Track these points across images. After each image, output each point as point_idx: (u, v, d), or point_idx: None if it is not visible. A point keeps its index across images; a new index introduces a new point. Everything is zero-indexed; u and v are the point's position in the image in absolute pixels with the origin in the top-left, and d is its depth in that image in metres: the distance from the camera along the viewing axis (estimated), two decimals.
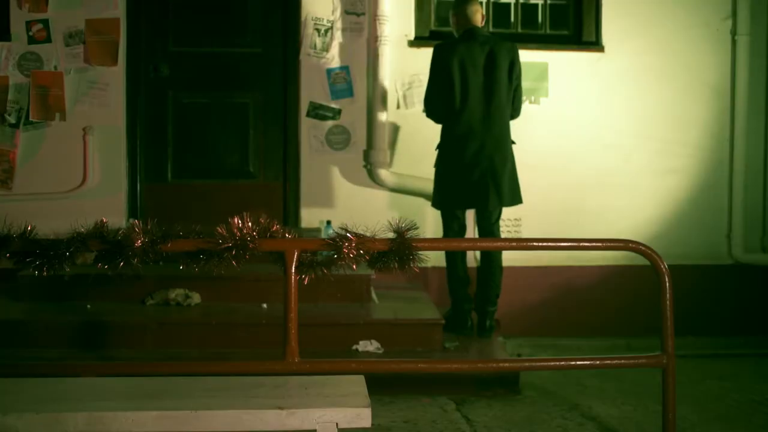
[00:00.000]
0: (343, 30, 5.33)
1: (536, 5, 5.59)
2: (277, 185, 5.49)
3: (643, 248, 3.42)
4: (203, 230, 3.27)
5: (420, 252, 3.27)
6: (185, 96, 5.46)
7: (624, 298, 5.42)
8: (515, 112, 4.72)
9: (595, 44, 5.50)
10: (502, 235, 5.36)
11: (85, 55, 5.19)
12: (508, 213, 5.42)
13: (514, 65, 4.63)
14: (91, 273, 4.31)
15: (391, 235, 3.27)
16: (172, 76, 5.42)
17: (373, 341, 4.32)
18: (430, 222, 5.16)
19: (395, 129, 5.37)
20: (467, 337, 4.65)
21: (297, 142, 5.39)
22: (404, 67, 5.37)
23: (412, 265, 3.28)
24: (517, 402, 4.18)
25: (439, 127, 4.74)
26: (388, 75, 5.31)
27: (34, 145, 5.23)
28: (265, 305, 4.56)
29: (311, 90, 5.35)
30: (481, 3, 5.53)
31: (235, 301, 4.65)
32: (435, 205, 4.77)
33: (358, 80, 5.35)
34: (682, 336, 4.42)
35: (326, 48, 5.33)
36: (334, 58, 5.34)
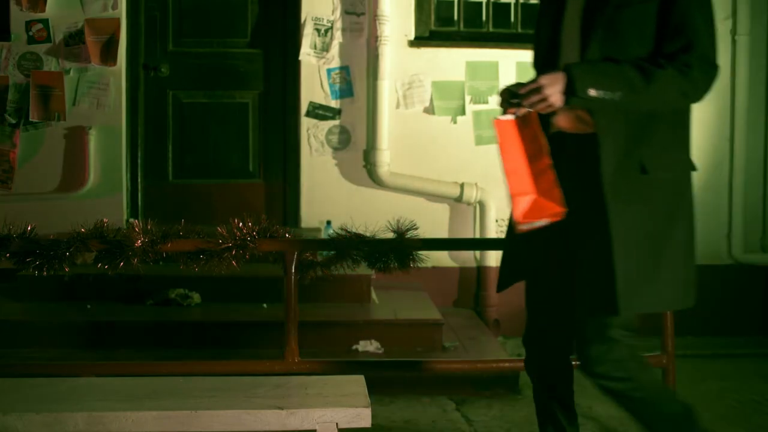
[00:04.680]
0: (343, 30, 5.33)
1: (536, 5, 5.59)
2: (277, 185, 5.50)
3: None
4: (203, 230, 3.28)
5: (420, 252, 3.27)
6: (185, 96, 5.46)
7: None
8: None
9: None
10: (503, 235, 5.38)
11: (85, 55, 5.18)
12: (508, 212, 5.42)
13: None
14: (91, 273, 4.32)
15: (391, 235, 3.28)
16: (172, 76, 5.42)
17: (373, 341, 4.32)
18: (429, 222, 5.16)
19: (395, 129, 5.37)
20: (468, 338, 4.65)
21: (297, 142, 5.38)
22: (404, 67, 5.36)
23: (412, 265, 3.28)
24: (517, 402, 4.18)
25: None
26: (388, 75, 5.31)
27: (34, 145, 5.22)
28: (265, 305, 4.56)
29: (311, 90, 5.35)
30: (480, 3, 5.56)
31: (235, 301, 4.65)
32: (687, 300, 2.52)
33: (358, 80, 5.35)
34: (682, 336, 4.42)
35: (326, 48, 5.32)
36: (334, 58, 5.34)
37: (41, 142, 5.22)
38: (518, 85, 2.37)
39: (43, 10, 5.16)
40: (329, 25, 5.31)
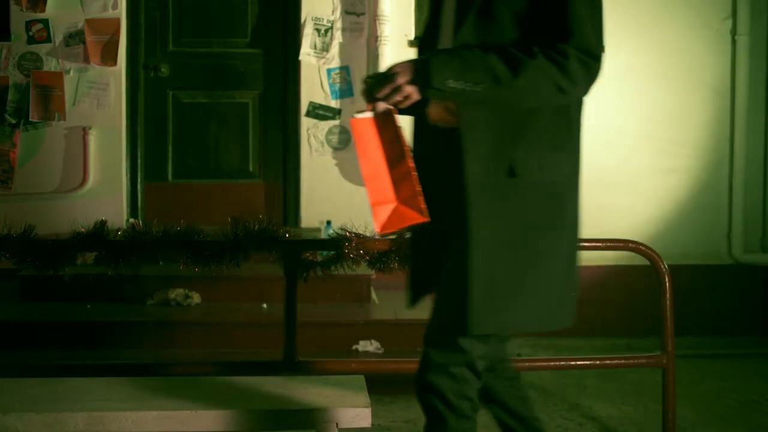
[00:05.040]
0: (343, 30, 5.33)
1: None
2: (277, 185, 5.49)
3: (643, 248, 3.42)
4: (203, 230, 3.28)
5: None
6: (185, 96, 5.46)
7: (624, 298, 5.41)
8: None
9: None
10: None
11: (85, 55, 5.19)
12: None
13: None
14: (91, 273, 4.32)
15: (391, 235, 3.27)
16: (172, 76, 5.42)
17: (373, 341, 4.32)
18: None
19: None
20: None
21: (297, 142, 5.38)
22: None
23: None
24: None
25: None
26: None
27: (34, 145, 5.22)
28: (265, 305, 4.56)
29: (311, 90, 5.34)
30: None
31: (235, 301, 4.65)
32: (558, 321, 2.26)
33: (358, 80, 5.34)
34: (682, 336, 4.42)
35: (326, 48, 5.32)
36: (334, 58, 5.34)
37: (41, 142, 5.22)
38: (378, 75, 2.17)
39: (43, 10, 5.16)
40: (329, 25, 5.31)
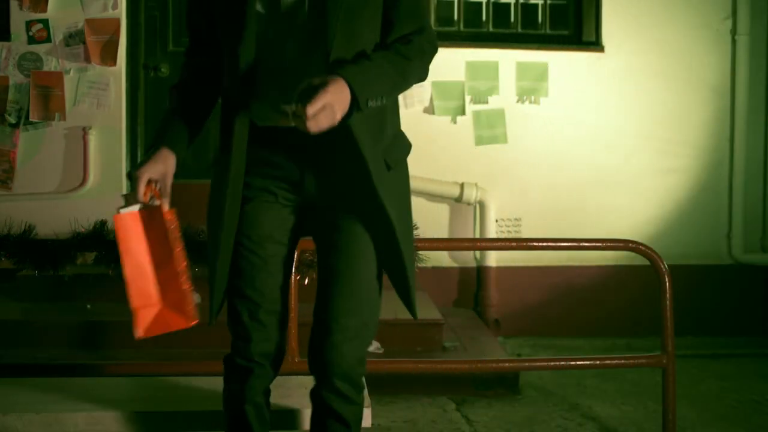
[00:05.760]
0: None
1: (536, 5, 5.59)
2: None
3: (643, 248, 3.42)
4: (203, 230, 3.27)
5: (420, 252, 3.27)
6: None
7: (624, 298, 5.42)
8: None
9: (595, 44, 5.50)
10: (503, 235, 5.39)
11: (85, 55, 5.18)
12: (508, 212, 5.43)
13: None
14: (91, 273, 4.32)
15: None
16: (172, 76, 5.42)
17: (373, 341, 4.32)
18: (429, 222, 5.16)
19: None
20: (468, 338, 4.65)
21: None
22: None
23: None
24: (517, 402, 4.18)
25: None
26: None
27: (34, 145, 5.22)
28: None
29: None
30: (480, 3, 5.56)
31: None
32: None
33: None
34: (682, 336, 4.43)
35: None
36: None
37: (41, 142, 5.22)
38: (308, 91, 1.85)
39: (44, 10, 5.15)
40: None
